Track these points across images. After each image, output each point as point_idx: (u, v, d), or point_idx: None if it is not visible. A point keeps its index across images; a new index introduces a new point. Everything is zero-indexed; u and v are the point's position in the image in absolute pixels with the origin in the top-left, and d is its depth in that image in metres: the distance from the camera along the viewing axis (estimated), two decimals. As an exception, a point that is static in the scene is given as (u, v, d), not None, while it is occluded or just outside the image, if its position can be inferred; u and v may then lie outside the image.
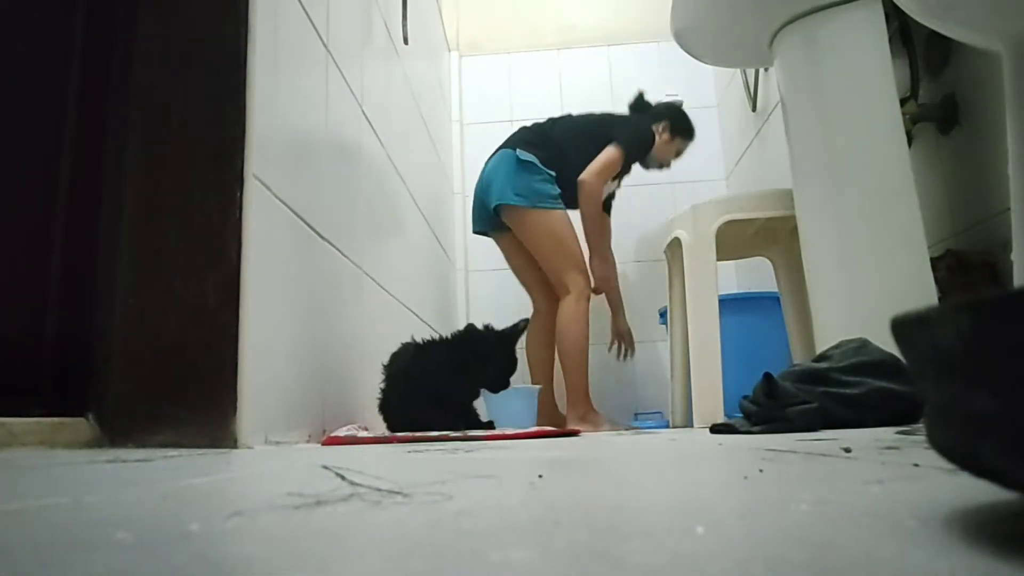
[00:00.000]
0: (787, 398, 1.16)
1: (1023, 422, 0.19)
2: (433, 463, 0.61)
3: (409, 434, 1.19)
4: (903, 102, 1.63)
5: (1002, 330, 0.19)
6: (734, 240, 2.06)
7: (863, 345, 1.28)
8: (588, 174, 2.12)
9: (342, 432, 1.19)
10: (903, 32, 1.71)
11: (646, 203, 2.83)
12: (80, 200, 0.96)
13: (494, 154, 2.25)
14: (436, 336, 1.49)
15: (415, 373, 1.36)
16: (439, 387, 1.35)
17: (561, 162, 2.14)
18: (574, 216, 2.16)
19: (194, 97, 0.99)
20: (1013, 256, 1.12)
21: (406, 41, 2.07)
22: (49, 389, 0.90)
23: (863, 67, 1.54)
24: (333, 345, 1.34)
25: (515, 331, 1.49)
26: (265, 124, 1.05)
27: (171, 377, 0.92)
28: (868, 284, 1.46)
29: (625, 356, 2.41)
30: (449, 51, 3.18)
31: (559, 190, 2.12)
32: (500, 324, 1.51)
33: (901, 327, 0.23)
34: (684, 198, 2.55)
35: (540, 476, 0.45)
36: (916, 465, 0.44)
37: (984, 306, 0.20)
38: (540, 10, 3.27)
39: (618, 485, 0.43)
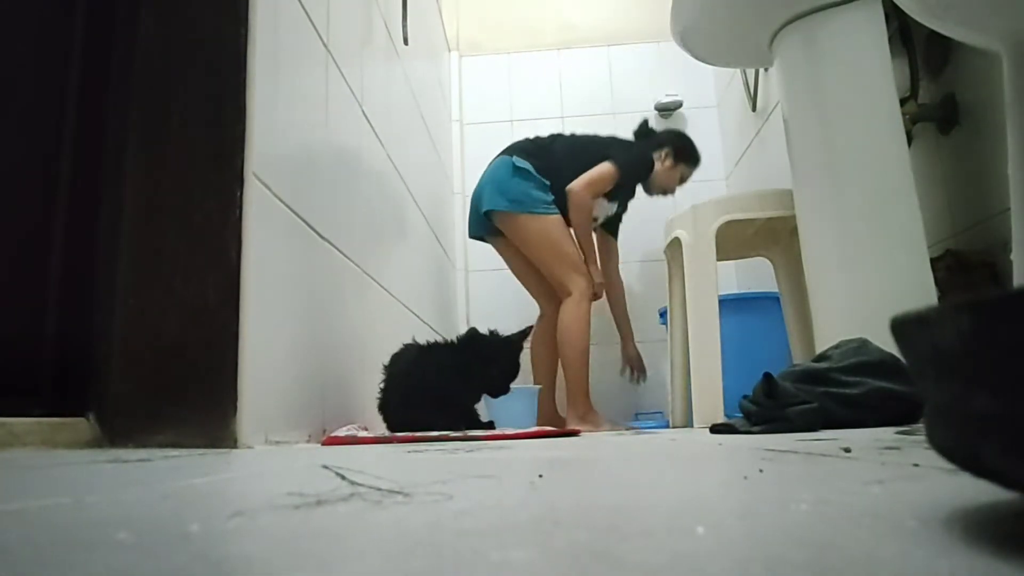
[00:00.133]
0: (787, 398, 1.16)
1: (1023, 422, 0.19)
2: (433, 463, 0.61)
3: (409, 434, 1.19)
4: (903, 102, 1.63)
5: (1002, 330, 0.19)
6: (734, 240, 2.06)
7: (863, 345, 1.28)
8: (576, 184, 2.14)
9: (342, 432, 1.19)
10: (903, 32, 1.71)
11: (646, 203, 2.83)
12: (80, 200, 0.96)
13: (493, 161, 2.28)
14: (439, 339, 1.49)
15: (417, 374, 1.36)
16: (441, 389, 1.35)
17: (556, 173, 2.16)
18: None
19: (194, 97, 0.99)
20: (1013, 256, 1.12)
21: (406, 41, 2.07)
22: (49, 389, 0.90)
23: (863, 67, 1.54)
24: (333, 345, 1.34)
25: (519, 337, 1.50)
26: (265, 124, 1.05)
27: (171, 377, 0.92)
28: (868, 284, 1.46)
29: (638, 381, 2.52)
30: (449, 51, 3.18)
31: (553, 196, 2.15)
32: (500, 324, 1.52)
33: (901, 327, 0.23)
34: (684, 198, 2.55)
35: (540, 476, 0.45)
36: (916, 465, 0.44)
37: (984, 306, 0.20)
38: (540, 10, 3.27)
39: (618, 485, 0.43)
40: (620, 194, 2.30)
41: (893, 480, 0.37)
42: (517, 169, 2.15)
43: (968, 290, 1.48)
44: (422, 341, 1.44)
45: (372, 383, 1.40)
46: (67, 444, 0.86)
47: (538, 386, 1.87)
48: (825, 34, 1.57)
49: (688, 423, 2.11)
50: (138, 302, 0.94)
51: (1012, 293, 0.19)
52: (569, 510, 0.31)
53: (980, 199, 1.54)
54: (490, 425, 1.44)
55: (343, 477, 0.45)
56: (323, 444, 1.12)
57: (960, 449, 0.23)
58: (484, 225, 2.25)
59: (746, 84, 2.68)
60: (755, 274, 2.57)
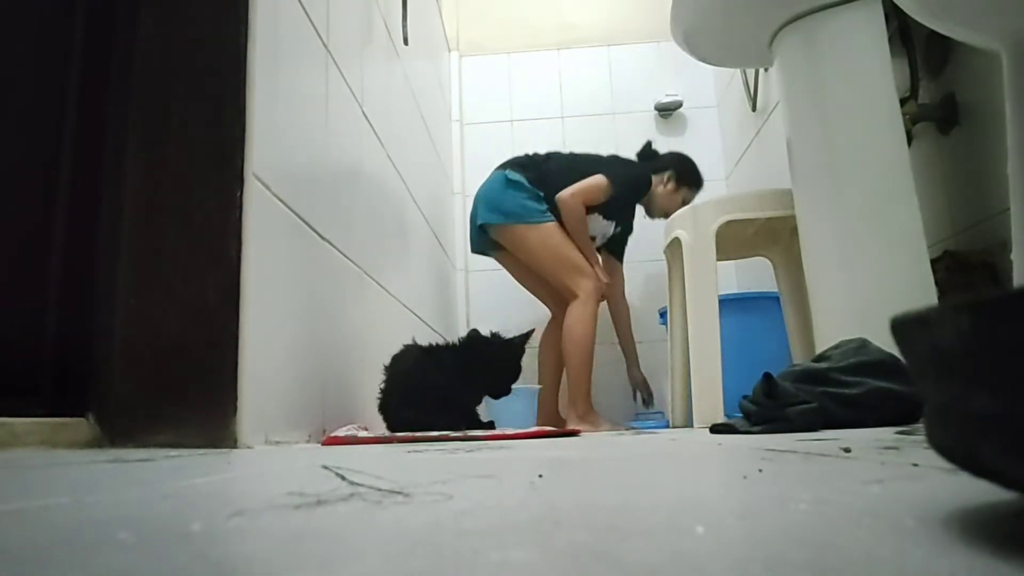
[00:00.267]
0: (787, 398, 1.16)
1: (1023, 422, 0.19)
2: (433, 463, 0.61)
3: (409, 434, 1.19)
4: (903, 102, 1.63)
5: (1002, 330, 0.19)
6: (734, 240, 2.06)
7: (863, 345, 1.28)
8: (563, 192, 2.16)
9: (342, 432, 1.19)
10: (903, 32, 1.71)
11: (646, 203, 2.84)
12: (80, 200, 0.96)
13: (488, 177, 2.30)
14: (441, 341, 1.49)
15: (418, 374, 1.36)
16: (442, 389, 1.35)
17: (550, 186, 2.17)
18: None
19: (194, 97, 0.99)
20: (1013, 256, 1.12)
21: (406, 41, 2.07)
22: (50, 389, 0.90)
23: (863, 67, 1.54)
24: (333, 345, 1.34)
25: (520, 340, 1.50)
26: (265, 124, 1.05)
27: (171, 377, 0.92)
28: (868, 284, 1.46)
29: (645, 403, 2.55)
30: (449, 51, 3.18)
31: (547, 206, 2.16)
32: (500, 324, 1.52)
33: (901, 327, 0.23)
34: (684, 198, 2.55)
35: (540, 476, 0.45)
36: (916, 465, 0.44)
37: (984, 306, 0.20)
38: (540, 10, 3.27)
39: (618, 485, 0.43)
40: (617, 213, 2.30)
41: (892, 480, 0.37)
42: (510, 182, 2.18)
43: (968, 290, 1.48)
44: (423, 342, 1.45)
45: (372, 383, 1.40)
46: (67, 444, 0.87)
47: (538, 386, 1.88)
48: (825, 34, 1.57)
49: (688, 423, 2.11)
50: (138, 302, 0.94)
51: (1012, 293, 0.19)
52: (569, 510, 0.31)
53: (980, 199, 1.54)
54: (490, 425, 1.44)
55: (343, 477, 0.45)
56: (323, 444, 1.12)
57: (960, 449, 0.23)
58: (484, 240, 2.28)
59: (746, 84, 2.68)
60: (755, 274, 2.57)
